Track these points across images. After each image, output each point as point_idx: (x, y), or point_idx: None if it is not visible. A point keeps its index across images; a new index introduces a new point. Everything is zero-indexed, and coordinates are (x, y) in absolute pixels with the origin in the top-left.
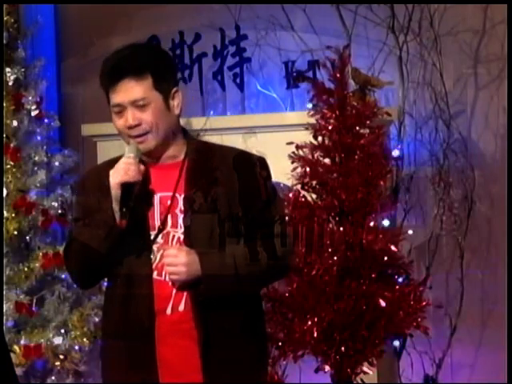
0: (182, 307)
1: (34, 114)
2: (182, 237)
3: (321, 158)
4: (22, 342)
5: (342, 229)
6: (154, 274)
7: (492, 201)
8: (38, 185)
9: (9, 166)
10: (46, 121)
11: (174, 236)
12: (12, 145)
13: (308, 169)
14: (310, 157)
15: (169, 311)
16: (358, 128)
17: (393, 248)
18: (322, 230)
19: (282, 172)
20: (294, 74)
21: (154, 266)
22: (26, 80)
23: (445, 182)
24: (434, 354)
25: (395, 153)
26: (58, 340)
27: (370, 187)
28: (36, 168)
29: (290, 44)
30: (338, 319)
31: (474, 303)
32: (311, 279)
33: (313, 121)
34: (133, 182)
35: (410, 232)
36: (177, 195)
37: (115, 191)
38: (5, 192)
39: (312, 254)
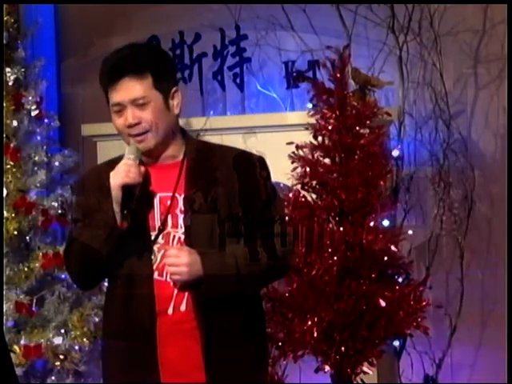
0: (183, 307)
1: (33, 114)
2: (182, 237)
3: (321, 158)
4: (22, 342)
5: (342, 229)
6: (155, 275)
7: (492, 201)
8: (38, 185)
9: (9, 166)
10: (46, 121)
11: (174, 236)
12: (12, 145)
13: (308, 169)
14: (310, 157)
15: (170, 311)
16: (357, 128)
17: (393, 248)
18: (321, 230)
19: (282, 172)
20: (294, 74)
21: (155, 266)
22: (26, 80)
23: (445, 182)
24: (434, 354)
25: (395, 153)
26: (57, 340)
27: (370, 187)
28: (36, 168)
29: (290, 44)
30: (338, 319)
31: (474, 303)
32: (311, 279)
33: (313, 121)
34: (133, 184)
35: (410, 232)
36: (177, 195)
37: (116, 193)
38: (5, 192)
39: (312, 254)
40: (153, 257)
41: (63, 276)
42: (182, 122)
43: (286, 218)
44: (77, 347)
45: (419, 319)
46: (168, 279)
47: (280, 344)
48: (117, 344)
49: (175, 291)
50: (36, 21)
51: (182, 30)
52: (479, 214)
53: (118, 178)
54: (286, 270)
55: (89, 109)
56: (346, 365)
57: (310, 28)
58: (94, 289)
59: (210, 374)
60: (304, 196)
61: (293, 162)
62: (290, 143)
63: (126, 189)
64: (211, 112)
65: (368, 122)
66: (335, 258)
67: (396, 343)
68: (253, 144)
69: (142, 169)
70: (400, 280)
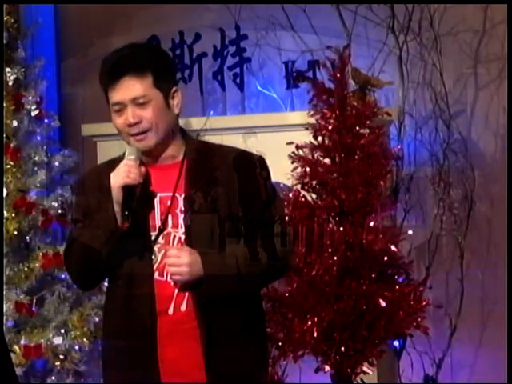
0: (183, 307)
1: (33, 114)
2: (182, 237)
3: (321, 158)
4: (22, 342)
5: (341, 229)
6: (156, 275)
7: (492, 201)
8: (38, 185)
9: (9, 166)
10: (46, 121)
11: (174, 236)
12: (12, 145)
13: (308, 169)
14: (310, 157)
15: (171, 311)
16: (357, 128)
17: (393, 248)
18: (321, 230)
19: (282, 172)
20: (294, 74)
21: (155, 266)
22: (26, 80)
23: (445, 182)
24: (434, 354)
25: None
26: (58, 340)
27: (370, 187)
28: (36, 168)
29: (290, 44)
30: (338, 319)
31: (474, 303)
32: (311, 279)
33: (313, 121)
34: (134, 185)
35: (410, 232)
36: (177, 195)
37: (117, 194)
38: (5, 192)
39: (312, 254)
40: (153, 257)
41: (63, 276)
42: (181, 121)
43: (286, 218)
44: (77, 347)
45: (419, 319)
46: (168, 279)
47: (280, 344)
48: (117, 344)
49: (176, 291)
50: (36, 21)
51: (182, 30)
52: (479, 214)
53: (119, 178)
54: (286, 270)
55: (89, 109)
56: (346, 365)
57: (309, 28)
58: (94, 289)
59: (211, 373)
60: (304, 196)
61: (293, 162)
62: (290, 143)
63: (127, 189)
64: (211, 112)
65: (368, 122)
66: (335, 258)
67: (396, 343)
68: (253, 144)
69: (143, 169)
70: (400, 280)
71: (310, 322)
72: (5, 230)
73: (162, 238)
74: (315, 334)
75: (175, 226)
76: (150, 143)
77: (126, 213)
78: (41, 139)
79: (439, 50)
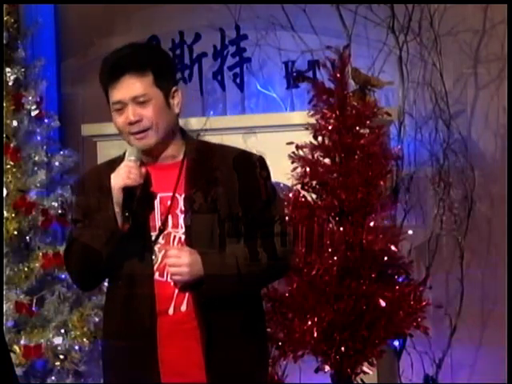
0: (184, 307)
1: (33, 114)
2: (183, 237)
3: (321, 158)
4: (22, 342)
5: (342, 229)
6: (156, 275)
7: (492, 201)
8: (38, 185)
9: (9, 166)
10: (46, 121)
11: (174, 236)
12: (12, 145)
13: (308, 169)
14: (310, 157)
15: (171, 311)
16: (357, 128)
17: (393, 248)
18: (322, 230)
19: (282, 172)
20: (294, 74)
21: (155, 266)
22: (26, 80)
23: (445, 182)
24: (434, 354)
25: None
26: (58, 340)
27: (370, 187)
28: (36, 168)
29: (290, 44)
30: (338, 319)
31: (474, 303)
32: (311, 279)
33: (313, 121)
34: (134, 186)
35: (410, 232)
36: (177, 195)
37: (117, 195)
38: (5, 192)
39: (312, 254)
40: (153, 257)
41: (63, 276)
42: (181, 122)
43: (286, 218)
44: (77, 347)
45: (419, 319)
46: (169, 279)
47: (280, 344)
48: (117, 344)
49: (176, 291)
50: (36, 21)
51: (182, 30)
52: (479, 214)
53: (119, 179)
54: (286, 270)
55: (89, 109)
56: (346, 365)
57: (309, 28)
58: (94, 289)
59: (211, 373)
60: (304, 196)
61: (293, 162)
62: (290, 143)
63: (127, 191)
64: (211, 112)
65: (368, 122)
66: (335, 258)
67: (396, 343)
68: (253, 144)
69: (143, 170)
70: (400, 280)
71: (310, 322)
72: (5, 230)
73: (163, 239)
74: (315, 334)
75: (175, 226)
76: (150, 142)
77: (127, 214)
78: (41, 139)
79: (439, 50)
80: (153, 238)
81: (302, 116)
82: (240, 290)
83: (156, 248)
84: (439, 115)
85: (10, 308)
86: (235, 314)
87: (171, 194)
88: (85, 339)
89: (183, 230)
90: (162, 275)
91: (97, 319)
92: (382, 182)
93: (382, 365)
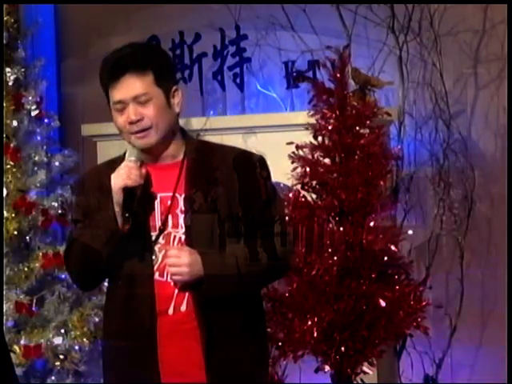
0: (183, 307)
1: (33, 114)
2: (183, 237)
3: (321, 158)
4: (22, 342)
5: (342, 229)
6: (156, 275)
7: (492, 201)
8: (38, 185)
9: (9, 166)
10: (46, 121)
11: (175, 236)
12: (12, 145)
13: (308, 169)
14: (309, 157)
15: (171, 311)
16: (357, 128)
17: (393, 248)
18: (322, 230)
19: (282, 172)
20: (294, 74)
21: (155, 266)
22: (26, 80)
23: (445, 182)
24: (434, 354)
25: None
26: (58, 340)
27: (370, 187)
28: (36, 168)
29: (290, 44)
30: (338, 319)
31: (474, 303)
32: (311, 279)
33: (313, 121)
34: (135, 186)
35: (410, 232)
36: (177, 195)
37: (117, 196)
38: (5, 192)
39: (312, 254)
40: (154, 257)
41: (63, 276)
42: (181, 121)
43: (286, 218)
44: (77, 347)
45: (419, 319)
46: (169, 279)
47: (280, 344)
48: (117, 344)
49: (176, 291)
50: (36, 21)
51: (182, 30)
52: (479, 214)
53: (119, 180)
54: (286, 270)
55: (89, 109)
56: (346, 365)
57: (309, 28)
58: (94, 289)
59: (211, 373)
60: (304, 196)
61: (293, 162)
62: (290, 143)
63: (128, 191)
64: (211, 112)
65: (368, 122)
66: (335, 258)
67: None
68: (253, 144)
69: (143, 171)
70: (400, 280)
71: (310, 322)
72: (5, 230)
73: (163, 239)
74: (315, 334)
75: (175, 226)
76: (150, 141)
77: (127, 215)
78: (41, 139)
79: (439, 49)
80: (153, 238)
81: (302, 116)
82: (240, 290)
83: (156, 248)
84: (439, 115)
85: (10, 308)
86: (235, 313)
87: (171, 193)
88: (85, 339)
89: (183, 229)
90: (161, 275)
91: (97, 319)
92: (381, 182)
93: (381, 365)
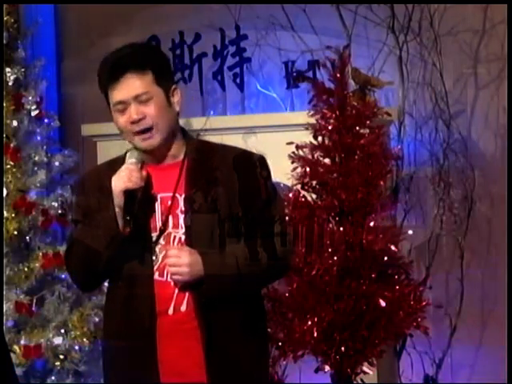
0: (183, 307)
1: (33, 114)
2: (183, 237)
3: (321, 158)
4: (22, 342)
5: (342, 229)
6: (156, 275)
7: (492, 201)
8: (38, 185)
9: (9, 166)
10: (46, 121)
11: (175, 237)
12: (12, 145)
13: (308, 169)
14: (309, 157)
15: (171, 311)
16: (357, 128)
17: (393, 248)
18: (321, 230)
19: (282, 172)
20: (294, 74)
21: (155, 266)
22: (26, 80)
23: (445, 182)
24: (434, 354)
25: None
26: (57, 340)
27: (370, 187)
28: (36, 168)
29: (290, 44)
30: (338, 319)
31: (474, 303)
32: (311, 279)
33: (313, 121)
34: (136, 189)
35: (410, 232)
36: (177, 195)
37: (118, 198)
38: (5, 192)
39: (312, 254)
40: (154, 257)
41: (63, 276)
42: (181, 121)
43: (286, 218)
44: (77, 347)
45: (419, 319)
46: (169, 279)
47: (280, 344)
48: (117, 344)
49: (176, 291)
50: (36, 21)
51: (182, 30)
52: (479, 214)
53: (120, 182)
54: (286, 270)
55: (89, 109)
56: (346, 365)
57: (309, 28)
58: (94, 290)
59: (211, 373)
60: (304, 196)
61: (293, 162)
62: (290, 143)
63: (129, 194)
64: (211, 112)
65: (368, 122)
66: (335, 258)
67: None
68: (253, 144)
69: (144, 173)
70: (400, 280)
71: (310, 322)
72: (5, 230)
73: (163, 239)
74: (315, 334)
75: (176, 226)
76: (154, 142)
77: (128, 218)
78: (41, 139)
79: (439, 49)
80: (154, 239)
81: (302, 116)
82: (240, 290)
83: (157, 249)
84: (439, 115)
85: (10, 308)
86: (235, 313)
87: (171, 194)
88: (85, 339)
89: (183, 230)
90: (161, 275)
91: (97, 319)
92: (381, 182)
93: (381, 365)
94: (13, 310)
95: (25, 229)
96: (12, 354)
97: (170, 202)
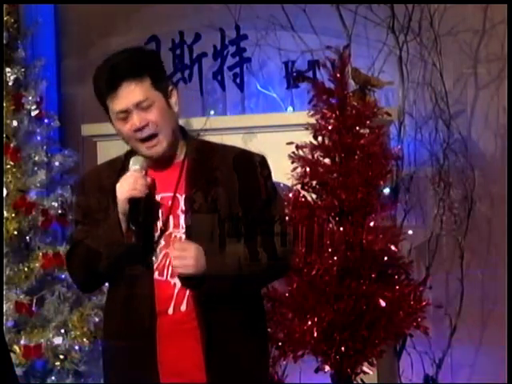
0: (183, 307)
1: (33, 114)
2: (183, 237)
3: (321, 158)
4: (22, 342)
5: (342, 229)
6: (156, 275)
7: (492, 201)
8: (38, 185)
9: (9, 166)
10: (46, 121)
11: (175, 237)
12: (12, 145)
13: (308, 169)
14: (309, 157)
15: (171, 311)
16: (357, 128)
17: (393, 248)
18: (321, 230)
19: (282, 172)
20: (294, 74)
21: (155, 266)
22: (26, 80)
23: (445, 182)
24: (434, 354)
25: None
26: (58, 340)
27: (369, 187)
28: (36, 168)
29: (290, 44)
30: (338, 319)
31: (474, 303)
32: (311, 279)
33: (313, 121)
34: (141, 197)
35: (410, 232)
36: (178, 195)
37: (122, 206)
38: (5, 192)
39: (312, 254)
40: (154, 257)
41: (63, 276)
42: (181, 121)
43: (287, 217)
44: (77, 347)
45: (419, 319)
46: (169, 278)
47: (280, 344)
48: (118, 344)
49: (176, 291)
50: (36, 21)
51: (182, 30)
52: (479, 214)
53: (125, 191)
54: (286, 270)
55: (89, 109)
56: (346, 365)
57: (309, 28)
58: (95, 291)
59: (211, 373)
60: (304, 196)
61: (293, 162)
62: (290, 143)
63: (133, 202)
64: (211, 112)
65: (368, 122)
66: (335, 258)
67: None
68: (253, 144)
69: (149, 180)
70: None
71: (310, 322)
72: (5, 230)
73: (163, 239)
74: (315, 334)
75: (176, 226)
76: (160, 149)
77: (133, 227)
78: (41, 139)
79: (439, 50)
80: (154, 239)
81: (302, 116)
82: (240, 289)
83: (157, 248)
84: (439, 115)
85: (10, 308)
86: (235, 313)
87: (172, 194)
88: (85, 339)
89: (184, 230)
90: (161, 274)
91: (97, 319)
92: (381, 182)
93: (382, 365)
94: (13, 310)
95: (25, 229)
96: (12, 354)
97: (170, 202)
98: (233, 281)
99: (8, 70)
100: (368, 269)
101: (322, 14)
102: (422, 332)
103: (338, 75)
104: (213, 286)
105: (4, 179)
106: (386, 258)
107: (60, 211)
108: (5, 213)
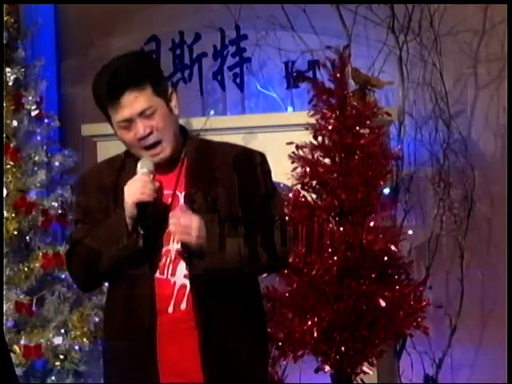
0: (183, 306)
1: (33, 114)
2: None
3: (321, 158)
4: (22, 342)
5: (342, 229)
6: (156, 273)
7: (492, 201)
8: (38, 185)
9: (9, 166)
10: (46, 121)
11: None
12: (12, 145)
13: (308, 169)
14: (309, 157)
15: (170, 310)
16: (357, 128)
17: (393, 248)
18: (321, 230)
19: (282, 172)
20: (294, 74)
21: None
22: (26, 80)
23: (445, 182)
24: (434, 354)
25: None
26: (58, 340)
27: (369, 187)
28: (36, 168)
29: (290, 44)
30: (338, 319)
31: (474, 303)
32: (311, 279)
33: (313, 121)
34: (149, 201)
35: (410, 232)
36: (177, 193)
37: (130, 210)
38: (5, 192)
39: (312, 254)
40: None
41: (63, 276)
42: (181, 121)
43: (286, 216)
44: (77, 347)
45: (419, 319)
46: (169, 277)
47: (280, 344)
48: (118, 343)
49: (175, 290)
50: (36, 21)
51: (182, 30)
52: (479, 214)
53: (134, 195)
54: (284, 266)
55: (89, 109)
56: (346, 365)
57: (309, 28)
58: (95, 290)
59: (209, 372)
60: (304, 196)
61: (293, 162)
62: (290, 143)
63: (142, 206)
64: (211, 112)
65: (368, 122)
66: (335, 258)
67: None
68: (253, 144)
69: (157, 184)
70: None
71: (310, 322)
72: (5, 230)
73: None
74: (315, 334)
75: None
76: (164, 156)
77: (142, 232)
78: (41, 139)
79: (439, 50)
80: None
81: (302, 116)
82: (236, 271)
83: None
84: (439, 115)
85: (10, 308)
86: (235, 313)
87: (172, 191)
88: (85, 339)
89: None
90: (162, 273)
91: (97, 319)
92: (381, 182)
93: (381, 365)
94: (13, 310)
95: (25, 229)
96: (12, 354)
97: (170, 200)
98: (231, 257)
99: (8, 69)
100: (368, 269)
101: (321, 13)
102: (422, 332)
103: (338, 75)
104: (211, 261)
105: (4, 179)
106: (386, 258)
107: (60, 211)
108: (5, 213)
